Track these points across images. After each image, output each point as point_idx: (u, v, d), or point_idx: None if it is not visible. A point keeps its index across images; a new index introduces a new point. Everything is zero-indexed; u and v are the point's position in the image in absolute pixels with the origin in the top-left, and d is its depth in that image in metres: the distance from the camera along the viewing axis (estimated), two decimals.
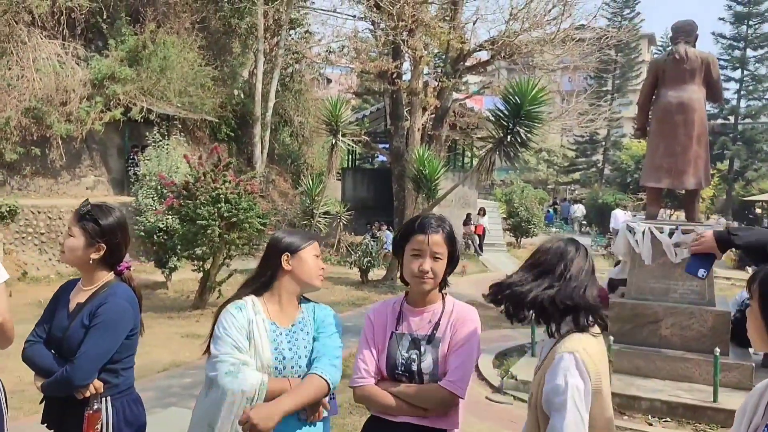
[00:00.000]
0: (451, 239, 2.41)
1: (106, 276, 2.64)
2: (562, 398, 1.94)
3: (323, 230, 17.79)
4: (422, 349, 2.38)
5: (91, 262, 2.59)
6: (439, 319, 2.41)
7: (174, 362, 7.53)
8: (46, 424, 2.62)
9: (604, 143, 44.39)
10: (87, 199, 2.71)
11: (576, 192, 45.22)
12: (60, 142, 15.10)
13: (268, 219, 10.96)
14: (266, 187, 20.21)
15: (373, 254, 14.78)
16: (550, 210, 33.50)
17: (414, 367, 2.37)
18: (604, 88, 42.80)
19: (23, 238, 13.60)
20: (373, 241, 15.37)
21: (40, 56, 15.30)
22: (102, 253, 2.59)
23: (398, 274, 2.79)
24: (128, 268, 2.70)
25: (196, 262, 10.71)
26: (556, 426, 1.95)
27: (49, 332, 2.60)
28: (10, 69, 14.66)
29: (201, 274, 10.93)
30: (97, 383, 2.48)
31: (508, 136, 12.79)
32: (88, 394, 2.46)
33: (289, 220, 18.36)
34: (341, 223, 18.56)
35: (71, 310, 2.58)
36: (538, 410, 2.06)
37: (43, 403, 2.62)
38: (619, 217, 24.24)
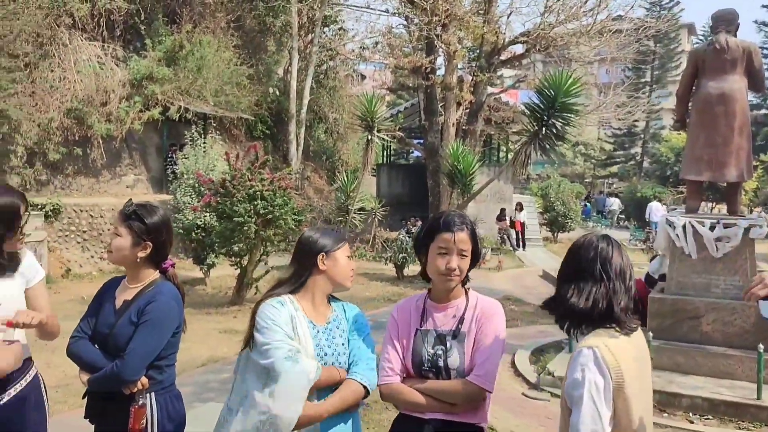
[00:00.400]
0: (474, 236, 2.43)
1: (152, 274, 2.69)
2: (579, 392, 1.93)
3: (358, 226, 17.88)
4: (448, 344, 2.39)
5: (138, 260, 2.64)
6: (464, 314, 2.42)
7: (212, 358, 7.65)
8: (88, 419, 2.68)
9: (642, 135, 43.56)
10: (131, 199, 2.77)
11: (614, 185, 44.49)
12: (101, 142, 15.43)
13: (303, 216, 11.03)
14: (301, 184, 20.37)
15: (408, 250, 14.77)
16: (587, 204, 33.04)
17: (440, 363, 2.38)
18: (643, 80, 41.94)
19: (66, 236, 13.95)
20: (408, 237, 15.35)
21: (80, 58, 15.65)
22: (148, 251, 2.64)
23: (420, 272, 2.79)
24: (172, 266, 2.76)
25: (233, 258, 10.85)
26: (573, 419, 1.94)
27: (95, 328, 2.65)
28: (52, 71, 15.03)
29: (238, 271, 11.06)
30: (144, 379, 2.54)
31: (544, 129, 12.70)
32: (135, 389, 2.52)
33: (324, 217, 18.47)
34: (376, 219, 18.62)
35: (118, 307, 2.64)
36: (565, 405, 2.05)
37: (86, 398, 2.68)
38: (656, 210, 23.84)
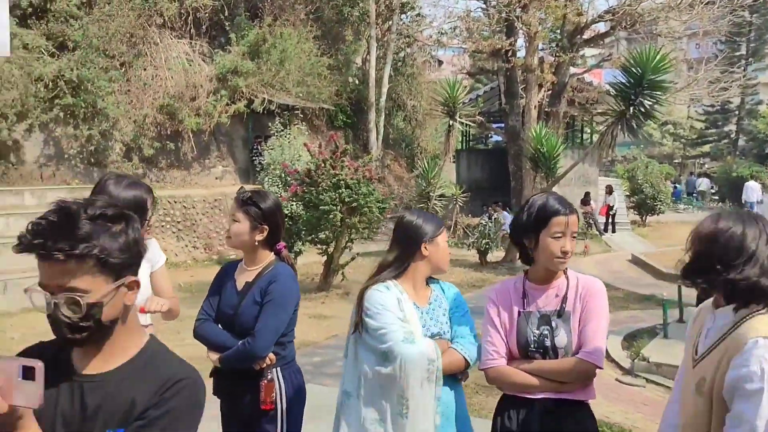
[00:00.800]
0: (578, 218, 2.47)
1: (268, 256, 2.84)
2: (758, 386, 1.80)
3: (439, 213, 17.86)
4: (553, 324, 2.40)
5: (256, 243, 2.78)
6: (566, 294, 2.43)
7: (303, 342, 7.88)
8: (216, 395, 2.85)
9: (737, 112, 41.26)
10: (242, 187, 2.93)
11: (706, 166, 42.44)
12: (191, 136, 16.07)
13: (387, 204, 11.15)
14: (382, 172, 20.54)
15: (492, 236, 14.66)
16: (677, 185, 31.72)
17: (547, 343, 2.39)
18: (738, 53, 39.67)
19: (162, 226, 14.64)
20: (491, 223, 15.22)
21: (170, 55, 16.33)
22: (265, 234, 2.78)
23: (517, 256, 2.79)
24: (285, 247, 2.90)
25: (319, 246, 11.09)
26: (745, 414, 1.82)
27: (218, 310, 2.83)
28: (145, 69, 15.76)
29: (325, 258, 11.31)
30: (271, 355, 2.70)
31: (631, 109, 12.28)
32: (263, 365, 2.67)
33: (405, 204, 18.57)
34: (457, 206, 18.55)
35: (240, 289, 2.79)
36: (715, 396, 1.92)
37: (213, 376, 2.84)
38: (753, 190, 22.63)
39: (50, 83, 13.17)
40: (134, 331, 1.51)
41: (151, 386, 1.42)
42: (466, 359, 2.50)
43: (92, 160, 14.48)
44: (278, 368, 2.75)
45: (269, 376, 2.69)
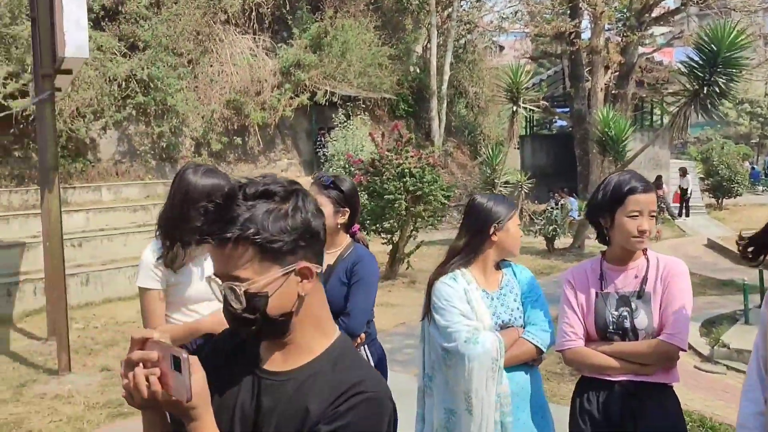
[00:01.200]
0: (656, 197, 2.40)
1: (346, 239, 2.89)
2: None
3: None
4: (633, 305, 2.35)
5: (338, 226, 2.82)
6: (646, 274, 2.37)
7: None
8: None
9: None
10: (319, 172, 2.98)
11: None
12: (257, 130, 16.41)
13: (452, 191, 11.11)
14: (445, 160, 20.44)
15: (558, 222, 14.40)
16: (755, 166, 30.33)
17: (627, 325, 2.34)
18: None
19: None
20: (558, 209, 14.94)
21: (235, 51, 16.68)
22: (346, 217, 2.83)
23: (585, 238, 2.74)
24: (359, 230, 2.93)
25: (384, 235, 11.15)
26: None
27: None
28: (211, 66, 16.15)
29: (390, 247, 11.37)
30: (362, 334, 2.78)
31: (704, 88, 11.80)
32: (356, 344, 2.74)
33: (469, 192, 18.44)
34: (522, 192, 18.29)
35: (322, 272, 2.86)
36: None
37: None
38: None
39: (123, 83, 13.67)
40: (319, 326, 1.31)
41: (328, 394, 1.22)
42: (538, 347, 2.48)
43: (163, 155, 14.97)
44: (365, 345, 2.83)
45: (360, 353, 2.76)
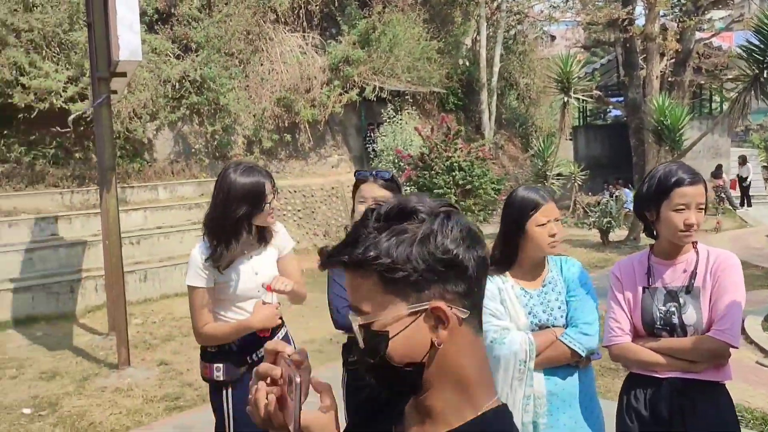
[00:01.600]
0: (705, 189, 2.29)
1: None
2: None
3: (557, 192, 17.40)
4: (681, 300, 2.28)
5: None
6: (695, 269, 2.29)
7: None
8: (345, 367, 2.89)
9: None
10: (373, 169, 2.96)
11: None
12: (307, 127, 16.57)
13: (502, 185, 11.00)
14: (496, 153, 20.24)
15: (613, 214, 14.08)
16: None
17: (674, 320, 2.27)
18: None
19: (284, 215, 15.23)
20: (612, 201, 14.61)
21: (285, 49, 16.87)
22: None
23: (641, 230, 2.64)
24: None
25: None
26: None
27: None
28: (262, 65, 16.39)
29: None
30: None
31: (765, 72, 11.35)
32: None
33: (521, 185, 18.24)
34: (576, 184, 17.96)
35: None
36: None
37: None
38: None
39: (176, 84, 14.01)
40: (464, 391, 1.01)
41: None
42: (576, 351, 2.32)
43: (217, 154, 15.28)
44: None
45: None
